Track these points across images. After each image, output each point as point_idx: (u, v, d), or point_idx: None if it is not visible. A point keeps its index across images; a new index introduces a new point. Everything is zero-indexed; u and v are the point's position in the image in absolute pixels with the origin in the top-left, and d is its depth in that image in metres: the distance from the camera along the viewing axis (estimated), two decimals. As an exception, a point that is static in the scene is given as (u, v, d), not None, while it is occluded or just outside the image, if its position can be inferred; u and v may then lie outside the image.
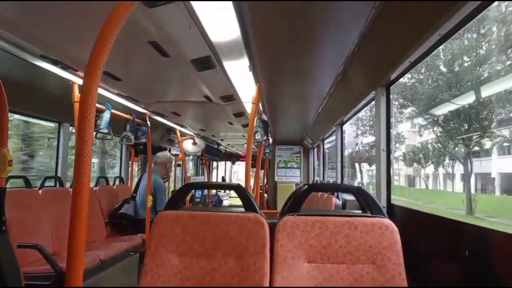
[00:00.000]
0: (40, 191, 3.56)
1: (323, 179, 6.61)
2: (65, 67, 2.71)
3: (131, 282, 3.93)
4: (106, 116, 3.88)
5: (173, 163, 5.45)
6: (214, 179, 13.41)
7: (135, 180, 6.46)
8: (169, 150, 8.31)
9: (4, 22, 1.97)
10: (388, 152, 2.53)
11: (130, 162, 5.96)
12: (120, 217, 4.65)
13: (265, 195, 8.49)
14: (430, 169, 17.24)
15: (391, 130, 2.56)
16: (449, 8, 1.52)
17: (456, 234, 1.73)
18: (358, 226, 1.69)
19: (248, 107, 4.05)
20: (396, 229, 1.68)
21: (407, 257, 1.66)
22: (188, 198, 5.04)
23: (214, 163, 13.92)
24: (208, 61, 2.59)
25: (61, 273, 2.79)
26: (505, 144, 11.97)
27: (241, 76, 3.09)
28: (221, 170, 15.69)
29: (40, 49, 2.35)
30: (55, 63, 2.60)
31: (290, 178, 7.90)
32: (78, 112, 1.21)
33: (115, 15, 1.18)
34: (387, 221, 1.70)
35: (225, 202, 11.42)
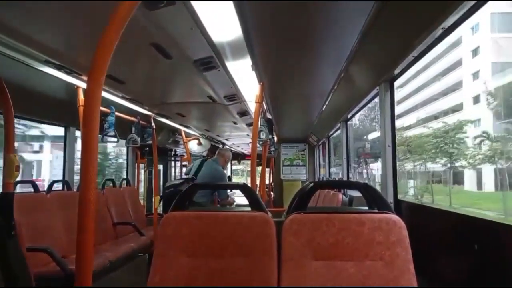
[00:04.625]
0: (48, 195, 3.59)
1: (329, 176, 6.60)
2: (69, 72, 2.73)
3: (140, 283, 3.95)
4: (111, 119, 3.91)
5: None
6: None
7: (142, 182, 6.50)
8: (175, 151, 8.35)
9: (7, 29, 1.99)
10: (394, 147, 2.51)
11: (136, 164, 6.00)
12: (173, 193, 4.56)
13: (271, 193, 8.50)
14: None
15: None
16: (452, 1, 1.51)
17: (464, 228, 1.72)
18: (365, 222, 1.68)
19: (252, 106, 4.05)
20: (404, 225, 1.68)
21: (415, 253, 1.66)
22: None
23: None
24: (211, 61, 2.59)
25: (71, 275, 2.82)
26: None
27: (244, 75, 3.08)
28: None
29: (44, 54, 2.37)
30: (59, 68, 2.62)
31: (296, 175, 7.89)
32: (83, 116, 1.23)
33: (117, 19, 1.19)
34: (394, 217, 1.69)
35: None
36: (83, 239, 1.20)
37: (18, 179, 2.14)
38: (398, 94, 23.50)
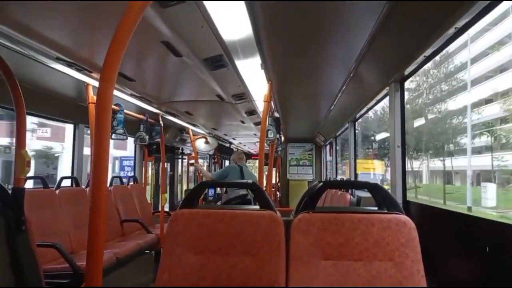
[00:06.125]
0: (57, 191, 3.62)
1: (336, 176, 6.57)
2: (79, 69, 2.75)
3: (147, 280, 3.97)
4: (120, 116, 3.93)
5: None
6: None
7: (149, 179, 6.52)
8: (182, 150, 8.39)
9: (21, 27, 2.00)
10: (404, 148, 2.49)
11: (143, 162, 6.03)
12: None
13: (278, 193, 8.49)
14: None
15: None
16: (465, 1, 1.49)
17: (476, 230, 1.70)
18: (374, 223, 1.67)
19: (260, 105, 4.05)
20: (414, 225, 1.66)
21: (424, 254, 1.64)
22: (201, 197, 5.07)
23: (226, 162, 13.97)
24: (220, 60, 2.59)
25: (79, 271, 2.83)
26: None
27: (253, 74, 3.08)
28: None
29: (56, 51, 2.38)
30: (69, 65, 2.64)
31: (302, 175, 7.88)
32: (95, 114, 1.23)
33: (129, 17, 1.19)
34: (404, 217, 1.68)
35: None
36: (94, 237, 1.20)
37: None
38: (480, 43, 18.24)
